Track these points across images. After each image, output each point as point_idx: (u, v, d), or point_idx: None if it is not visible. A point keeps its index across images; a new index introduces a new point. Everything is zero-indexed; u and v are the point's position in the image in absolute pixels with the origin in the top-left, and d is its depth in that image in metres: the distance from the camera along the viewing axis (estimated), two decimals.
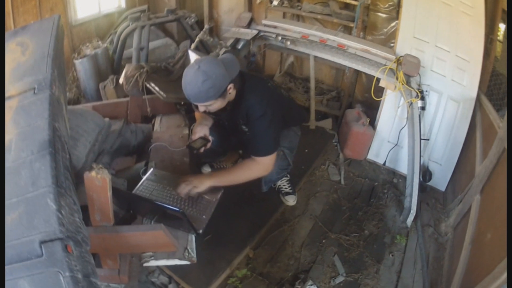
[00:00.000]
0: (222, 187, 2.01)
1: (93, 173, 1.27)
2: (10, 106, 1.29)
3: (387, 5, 3.24)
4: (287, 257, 2.18)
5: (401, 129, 2.75)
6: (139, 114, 2.80)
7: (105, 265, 1.58)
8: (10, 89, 1.37)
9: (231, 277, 2.00)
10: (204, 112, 1.95)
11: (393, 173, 2.91)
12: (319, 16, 3.43)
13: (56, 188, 1.05)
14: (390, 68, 2.64)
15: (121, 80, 2.70)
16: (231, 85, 1.83)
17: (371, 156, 3.02)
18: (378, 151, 2.99)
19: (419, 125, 2.52)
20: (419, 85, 2.61)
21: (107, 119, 2.31)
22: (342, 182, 2.77)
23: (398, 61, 2.63)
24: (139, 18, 3.61)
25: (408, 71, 2.54)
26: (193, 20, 4.04)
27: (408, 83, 2.56)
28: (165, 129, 2.66)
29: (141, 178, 2.03)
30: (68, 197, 1.14)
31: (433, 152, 2.81)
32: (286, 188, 2.53)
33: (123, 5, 4.52)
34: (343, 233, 2.37)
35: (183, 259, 1.69)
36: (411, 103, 2.53)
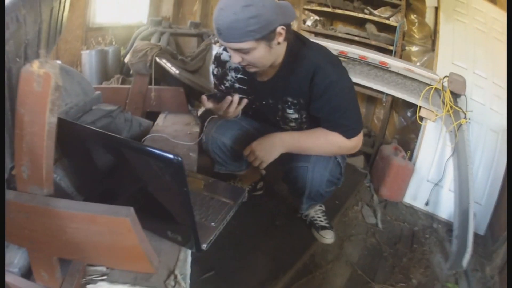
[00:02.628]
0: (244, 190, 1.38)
1: (35, 65, 0.57)
2: None
3: (421, 36, 2.90)
4: None
5: (447, 160, 2.27)
6: (141, 105, 2.12)
7: (38, 277, 0.81)
8: None
9: None
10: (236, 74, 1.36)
11: (431, 217, 2.38)
12: (356, 38, 2.93)
13: None
14: (435, 89, 2.24)
15: (127, 59, 2.06)
16: (282, 29, 1.19)
17: (407, 199, 2.46)
18: (416, 193, 2.44)
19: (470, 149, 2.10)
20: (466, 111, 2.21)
21: (98, 92, 1.65)
22: (379, 225, 2.16)
23: (444, 79, 2.23)
24: (160, 23, 3.10)
25: (456, 89, 2.15)
26: (216, 39, 3.55)
27: (455, 103, 2.17)
28: (169, 124, 1.97)
29: None
30: None
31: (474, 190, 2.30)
32: (321, 221, 1.76)
33: (145, 21, 4.01)
34: (388, 283, 1.69)
35: None
36: (460, 125, 2.12)
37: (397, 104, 3.07)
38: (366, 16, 2.89)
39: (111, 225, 0.65)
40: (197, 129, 1.98)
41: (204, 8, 4.87)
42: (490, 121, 2.33)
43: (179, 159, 0.68)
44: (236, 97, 1.32)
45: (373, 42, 2.87)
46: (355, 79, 2.58)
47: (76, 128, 0.88)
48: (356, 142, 1.40)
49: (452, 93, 2.15)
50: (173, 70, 1.91)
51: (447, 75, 2.18)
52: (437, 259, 1.99)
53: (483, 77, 2.40)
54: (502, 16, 2.43)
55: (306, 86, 1.29)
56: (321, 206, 1.80)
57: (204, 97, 1.28)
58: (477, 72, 2.41)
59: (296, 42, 1.30)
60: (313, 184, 1.46)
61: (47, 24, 1.03)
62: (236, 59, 1.20)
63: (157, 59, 1.93)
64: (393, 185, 2.41)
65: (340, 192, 2.17)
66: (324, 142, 1.38)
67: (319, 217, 1.77)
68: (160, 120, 2.08)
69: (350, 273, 1.67)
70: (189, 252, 0.98)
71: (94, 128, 0.85)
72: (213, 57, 1.55)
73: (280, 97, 1.39)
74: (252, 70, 1.28)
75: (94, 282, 0.81)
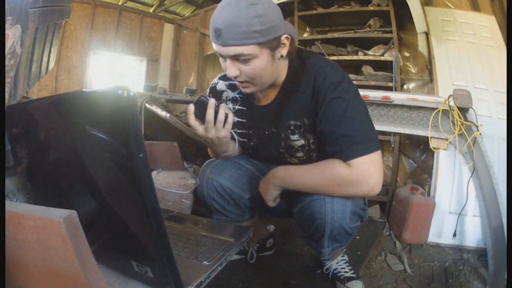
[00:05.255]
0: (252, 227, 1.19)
1: None
2: None
3: (417, 69, 3.01)
4: None
5: (467, 184, 2.18)
6: None
7: None
8: None
9: None
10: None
11: (460, 250, 2.28)
12: (354, 83, 2.89)
13: None
14: (443, 111, 2.21)
15: None
16: (286, 38, 1.08)
17: (432, 238, 2.34)
18: (440, 230, 2.31)
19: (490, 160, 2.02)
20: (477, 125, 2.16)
21: None
22: (408, 270, 1.98)
23: (449, 99, 2.19)
24: (155, 89, 3.11)
25: (463, 103, 2.12)
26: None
27: (465, 119, 2.14)
28: (161, 178, 1.80)
29: None
30: None
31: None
32: (346, 272, 1.50)
33: (142, 90, 4.15)
34: None
35: None
36: (475, 139, 2.06)
37: (404, 146, 3.02)
38: (361, 58, 2.92)
39: (40, 231, 0.45)
40: (193, 181, 1.81)
41: (199, 80, 5.07)
42: (500, 131, 2.31)
43: (128, 91, 0.49)
44: (223, 106, 1.16)
45: (372, 83, 2.85)
46: None
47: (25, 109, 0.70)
48: (363, 170, 1.05)
49: (460, 109, 2.08)
50: (164, 113, 1.81)
51: (451, 94, 2.14)
52: (476, 286, 1.87)
53: (484, 88, 2.45)
54: (488, 21, 2.59)
55: (309, 98, 1.14)
56: (343, 256, 1.55)
57: (191, 107, 1.13)
58: (477, 86, 2.45)
59: (299, 58, 1.18)
60: (334, 218, 1.18)
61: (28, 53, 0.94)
62: (232, 72, 1.06)
63: (147, 105, 1.85)
64: (415, 226, 2.26)
65: (360, 244, 2.08)
66: (321, 174, 1.12)
67: (343, 268, 1.51)
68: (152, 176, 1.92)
69: None
70: None
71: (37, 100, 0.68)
72: (208, 89, 1.43)
73: (283, 122, 1.23)
74: (249, 90, 1.14)
75: None
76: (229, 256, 0.92)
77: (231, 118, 1.16)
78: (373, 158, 1.06)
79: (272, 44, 1.04)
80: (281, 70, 1.16)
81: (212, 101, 1.11)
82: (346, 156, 1.06)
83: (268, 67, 1.07)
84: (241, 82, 1.11)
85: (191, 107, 1.12)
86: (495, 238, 1.88)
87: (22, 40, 0.71)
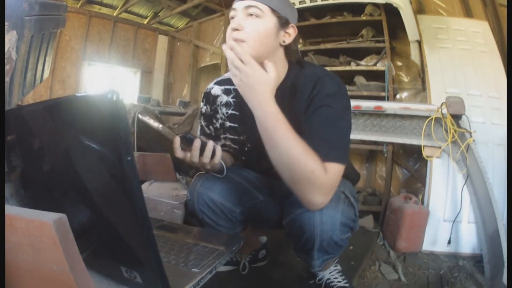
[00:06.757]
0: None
1: None
2: None
3: (410, 78, 3.07)
4: None
5: (462, 191, 2.22)
6: None
7: None
8: None
9: None
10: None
11: (455, 257, 2.30)
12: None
13: None
14: (436, 119, 2.25)
15: None
16: (293, 27, 1.18)
17: (426, 246, 2.36)
18: (435, 238, 2.34)
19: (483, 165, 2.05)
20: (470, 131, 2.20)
21: None
22: (403, 278, 1.99)
23: (442, 106, 2.22)
24: (148, 101, 3.15)
25: (456, 110, 2.16)
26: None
27: (458, 126, 2.18)
28: (153, 188, 1.82)
29: None
30: None
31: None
32: (339, 282, 1.49)
33: (136, 102, 4.20)
34: None
35: None
36: (468, 145, 2.11)
37: (397, 156, 3.04)
38: (354, 68, 2.95)
39: (32, 234, 0.47)
40: (185, 192, 1.83)
41: (193, 93, 5.11)
42: (494, 137, 2.35)
43: (117, 94, 0.52)
44: (211, 143, 1.14)
45: (365, 93, 2.87)
46: (352, 135, 2.58)
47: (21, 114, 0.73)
48: (334, 179, 1.05)
49: (453, 116, 2.12)
50: (156, 124, 1.84)
51: (444, 101, 2.17)
52: None
53: (477, 95, 2.48)
54: (481, 27, 2.66)
55: (304, 106, 1.15)
56: (336, 265, 1.54)
57: (176, 139, 1.12)
58: (470, 92, 2.49)
59: (298, 65, 1.23)
60: (324, 230, 1.16)
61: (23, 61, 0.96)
62: (236, 23, 1.11)
63: (140, 116, 1.88)
64: (410, 234, 2.28)
65: (354, 253, 2.09)
66: (303, 156, 1.04)
67: (335, 278, 1.50)
68: (143, 187, 1.93)
69: None
70: None
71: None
72: (202, 95, 1.43)
73: None
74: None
75: None
76: (219, 264, 0.93)
77: (219, 154, 1.16)
78: (341, 170, 1.07)
79: (282, 19, 1.13)
80: (278, 64, 1.17)
81: (197, 144, 1.11)
82: (325, 156, 1.04)
83: (268, 36, 1.12)
84: (236, 40, 1.11)
85: (177, 141, 1.12)
86: (491, 243, 1.91)
87: (18, 47, 0.74)
